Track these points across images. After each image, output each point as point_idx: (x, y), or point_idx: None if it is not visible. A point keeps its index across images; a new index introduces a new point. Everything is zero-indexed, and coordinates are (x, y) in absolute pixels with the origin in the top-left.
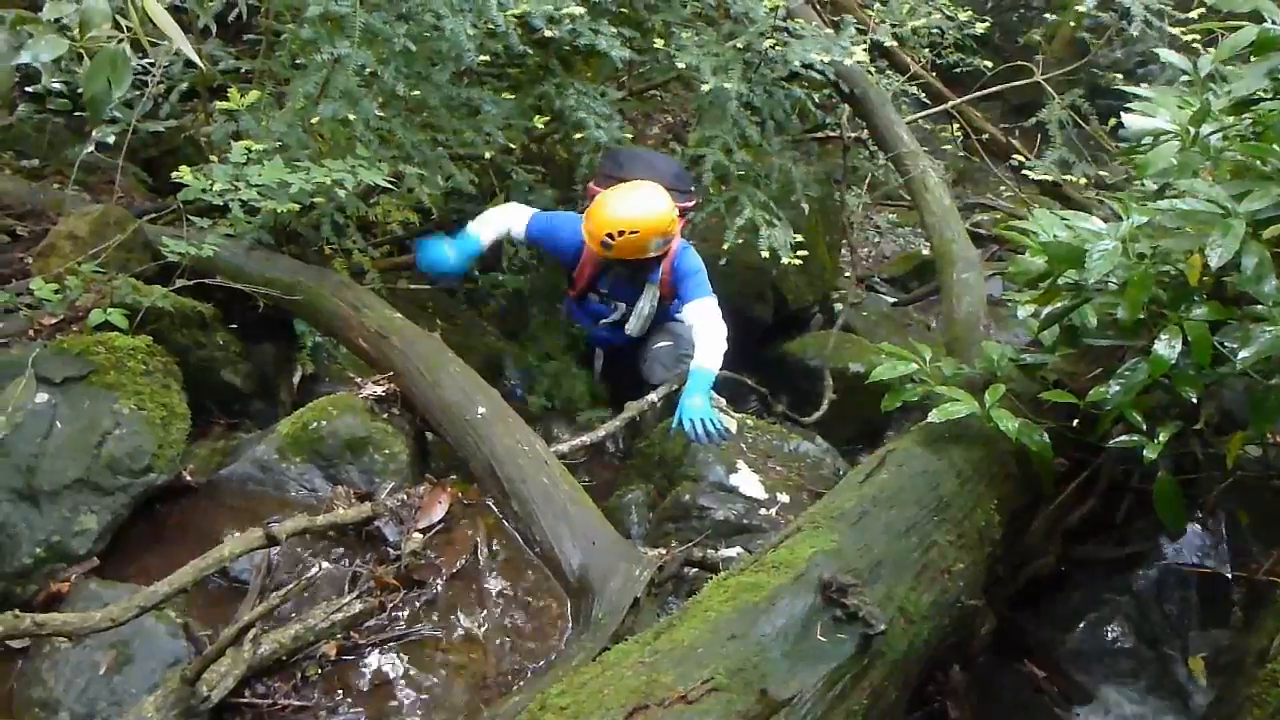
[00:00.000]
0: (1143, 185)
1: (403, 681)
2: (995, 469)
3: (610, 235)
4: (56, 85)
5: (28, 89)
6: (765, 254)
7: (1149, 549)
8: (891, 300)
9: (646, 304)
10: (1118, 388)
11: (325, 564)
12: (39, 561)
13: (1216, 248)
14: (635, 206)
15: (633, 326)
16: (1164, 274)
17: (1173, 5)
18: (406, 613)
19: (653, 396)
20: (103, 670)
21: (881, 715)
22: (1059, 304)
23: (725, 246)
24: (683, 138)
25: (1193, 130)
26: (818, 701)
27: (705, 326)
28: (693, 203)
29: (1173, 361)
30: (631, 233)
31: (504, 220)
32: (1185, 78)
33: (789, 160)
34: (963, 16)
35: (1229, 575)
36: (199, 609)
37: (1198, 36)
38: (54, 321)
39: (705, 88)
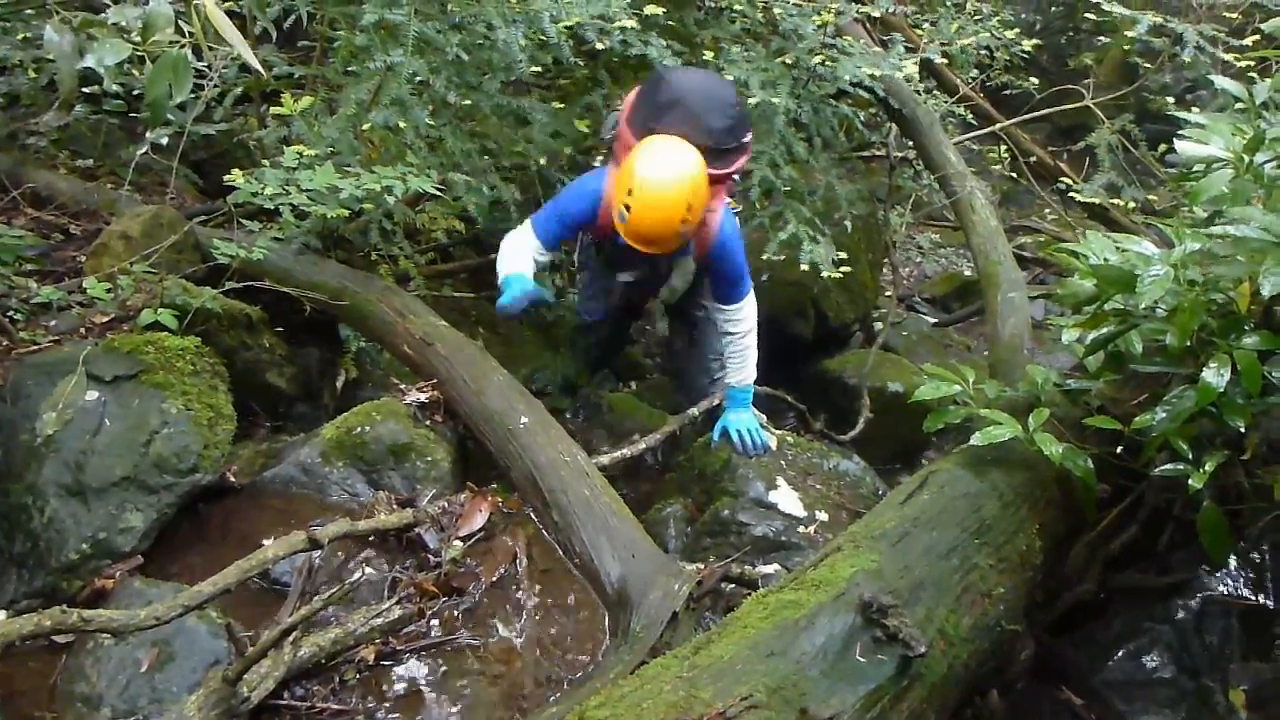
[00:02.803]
0: (1192, 212)
1: (439, 688)
2: (1038, 493)
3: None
4: (113, 87)
5: (84, 89)
6: (805, 267)
7: (1191, 579)
8: (932, 320)
9: (679, 279)
10: (1164, 415)
11: (366, 569)
12: (85, 557)
13: (1269, 276)
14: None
15: (665, 294)
16: (1213, 301)
17: (1226, 32)
18: (445, 620)
19: (693, 411)
20: (144, 668)
21: None
22: (1106, 329)
23: (764, 258)
24: None
25: (1247, 158)
26: None
27: (740, 339)
28: (734, 166)
29: (1221, 390)
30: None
31: (523, 251)
32: (1239, 105)
33: (834, 177)
34: (1010, 35)
35: (1272, 608)
36: (240, 609)
37: (1251, 63)
38: (105, 320)
39: (753, 101)
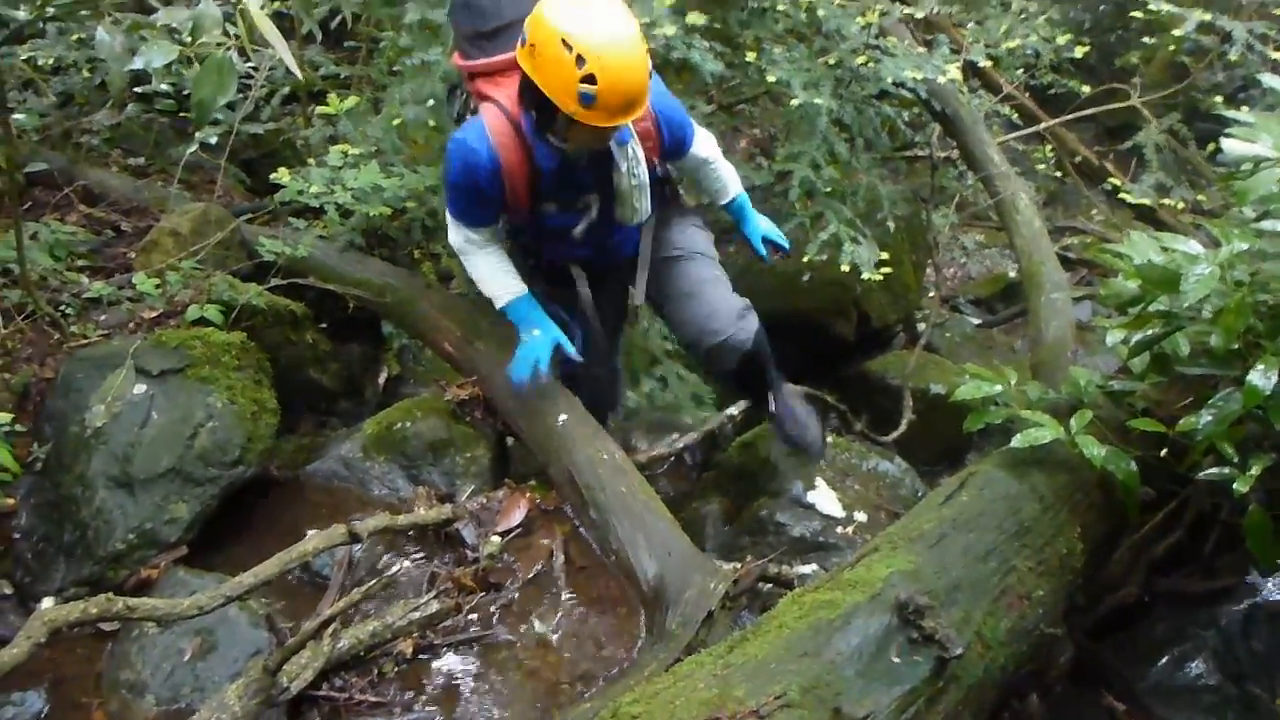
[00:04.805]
0: (1241, 212)
1: (476, 682)
2: (1079, 496)
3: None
4: (164, 86)
5: (136, 89)
6: (845, 268)
7: (1237, 584)
8: (976, 321)
9: (629, 171)
10: (1209, 418)
11: (405, 563)
12: (131, 547)
13: None
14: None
15: (633, 212)
16: (1261, 302)
17: (1276, 29)
18: (482, 615)
19: (733, 410)
20: (188, 656)
21: None
22: (1150, 330)
23: (805, 260)
24: (770, 152)
25: None
26: None
27: (721, 161)
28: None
29: (1268, 392)
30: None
31: (489, 250)
32: None
33: (876, 178)
34: (1061, 40)
35: None
36: (281, 601)
37: None
38: (154, 315)
39: (795, 102)
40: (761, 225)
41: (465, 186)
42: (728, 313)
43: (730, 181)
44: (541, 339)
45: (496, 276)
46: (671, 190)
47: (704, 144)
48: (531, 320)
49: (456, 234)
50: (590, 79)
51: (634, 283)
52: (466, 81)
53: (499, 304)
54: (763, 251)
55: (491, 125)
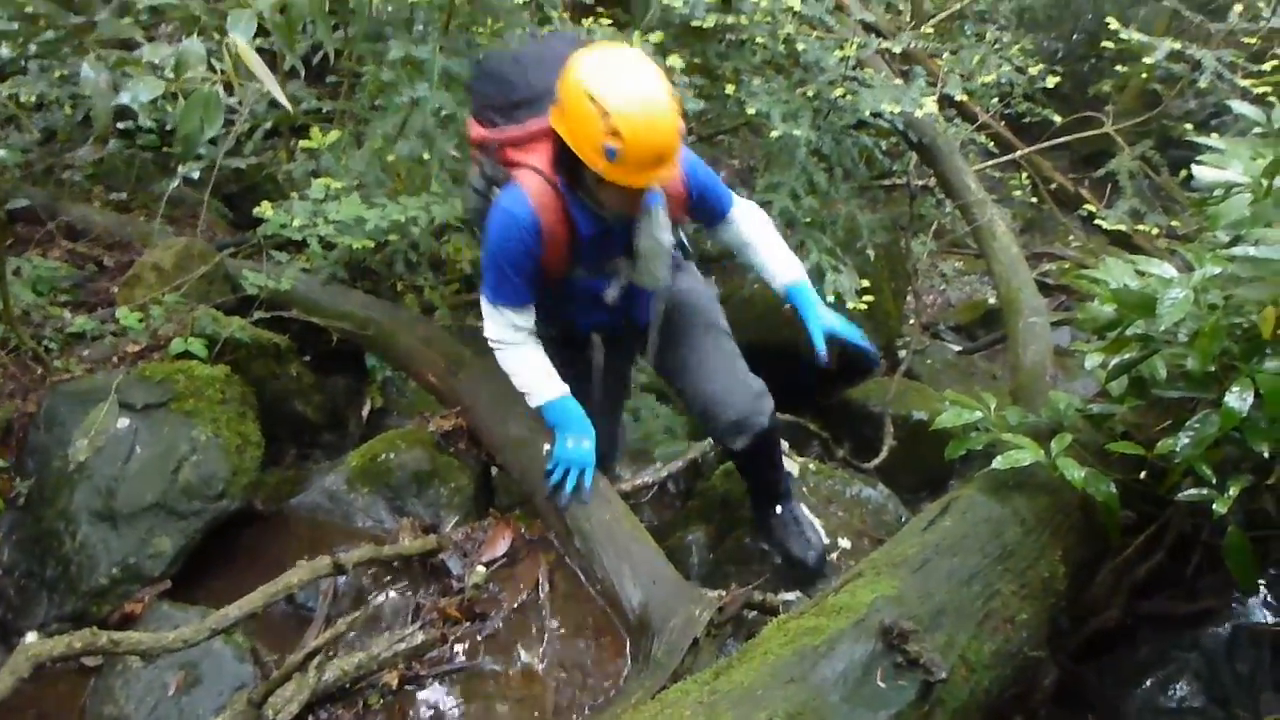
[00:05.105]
0: (1214, 237)
1: (462, 713)
2: (1060, 519)
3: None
4: (147, 122)
5: (119, 125)
6: (829, 297)
7: (1220, 606)
8: (956, 348)
9: (652, 235)
10: (1187, 440)
11: (390, 594)
12: (114, 582)
13: None
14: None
15: (655, 275)
16: (1236, 325)
17: (1245, 57)
18: (468, 645)
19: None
20: (172, 690)
21: None
22: (1128, 354)
23: None
24: (750, 183)
25: (1265, 182)
26: None
27: (771, 229)
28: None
29: (1244, 414)
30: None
31: (525, 346)
32: (1258, 129)
33: (855, 207)
34: (1033, 70)
35: None
36: (266, 634)
37: (1270, 88)
38: (137, 349)
39: (774, 134)
40: (828, 319)
41: (507, 255)
42: (745, 391)
43: (779, 265)
44: (588, 450)
45: (536, 375)
46: (684, 253)
47: (746, 217)
48: (574, 425)
49: (497, 323)
50: (615, 134)
51: (643, 349)
52: (495, 151)
53: (536, 402)
54: (822, 350)
55: (530, 189)
